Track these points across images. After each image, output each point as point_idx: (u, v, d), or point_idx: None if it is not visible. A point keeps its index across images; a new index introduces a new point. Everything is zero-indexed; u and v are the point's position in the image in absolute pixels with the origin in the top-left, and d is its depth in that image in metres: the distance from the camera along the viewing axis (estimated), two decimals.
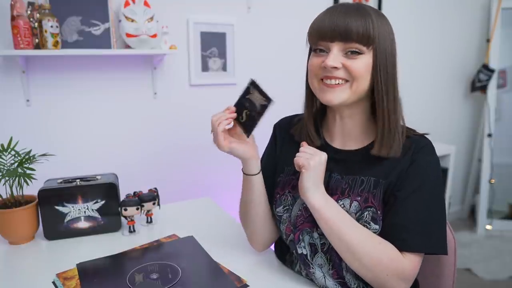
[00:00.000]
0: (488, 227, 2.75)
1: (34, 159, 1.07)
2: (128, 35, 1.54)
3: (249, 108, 0.81)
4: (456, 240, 0.93)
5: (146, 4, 1.57)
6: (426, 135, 0.82)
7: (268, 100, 0.79)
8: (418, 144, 0.79)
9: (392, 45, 0.77)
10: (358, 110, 0.82)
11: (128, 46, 1.59)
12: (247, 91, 0.82)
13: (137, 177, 1.75)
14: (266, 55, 2.02)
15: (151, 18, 1.56)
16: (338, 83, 0.76)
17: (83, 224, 1.11)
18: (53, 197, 1.08)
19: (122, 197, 1.15)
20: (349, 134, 0.84)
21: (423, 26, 2.56)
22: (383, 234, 0.76)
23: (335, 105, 0.79)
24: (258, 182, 0.89)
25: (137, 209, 1.12)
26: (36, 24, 1.41)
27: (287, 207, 0.88)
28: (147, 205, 1.15)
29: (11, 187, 1.06)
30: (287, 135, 0.94)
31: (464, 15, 2.73)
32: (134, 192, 1.17)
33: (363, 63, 0.74)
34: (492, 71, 2.62)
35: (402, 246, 0.74)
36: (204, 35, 1.83)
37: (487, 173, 2.70)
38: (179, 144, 1.86)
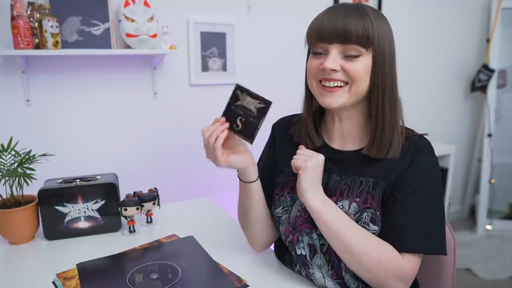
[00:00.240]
0: (488, 227, 2.75)
1: (34, 159, 1.07)
2: (128, 35, 1.54)
3: (243, 114, 0.78)
4: (456, 240, 0.93)
5: (146, 4, 1.57)
6: (425, 136, 0.82)
7: (265, 102, 0.76)
8: (417, 145, 0.79)
9: (391, 45, 0.76)
10: (357, 111, 0.81)
11: (128, 46, 1.59)
12: (235, 98, 0.78)
13: (137, 177, 1.75)
14: (266, 55, 2.02)
15: (151, 18, 1.56)
16: (337, 86, 0.76)
17: (83, 224, 1.11)
18: (53, 197, 1.08)
19: (122, 197, 1.15)
20: (348, 135, 0.84)
21: (423, 26, 2.56)
22: (382, 234, 0.76)
23: (334, 108, 0.79)
24: (257, 188, 0.88)
25: (137, 209, 1.12)
26: (36, 24, 1.41)
27: (286, 208, 0.87)
28: (147, 205, 1.15)
29: (11, 187, 1.06)
30: (286, 135, 0.94)
31: (464, 15, 2.73)
32: (134, 192, 1.18)
33: (362, 65, 0.74)
34: (492, 71, 2.62)
35: (402, 247, 0.74)
36: (204, 35, 1.83)
37: (487, 173, 2.70)
38: (179, 144, 1.86)
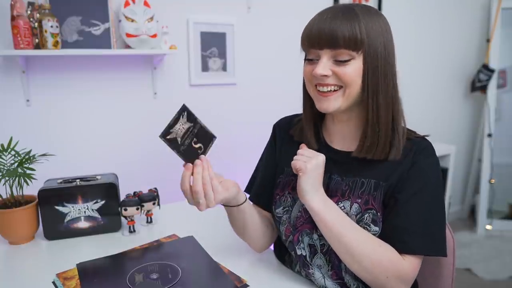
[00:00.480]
0: (488, 227, 2.75)
1: (34, 159, 1.07)
2: (128, 35, 1.54)
3: (191, 137, 0.77)
4: (456, 240, 0.93)
5: (146, 4, 1.57)
6: (426, 137, 0.82)
7: (180, 110, 0.76)
8: (419, 146, 0.78)
9: (386, 44, 0.74)
10: (355, 113, 0.81)
11: (128, 46, 1.59)
12: (173, 141, 0.75)
13: (137, 177, 1.75)
14: (266, 55, 2.02)
15: (151, 18, 1.56)
16: (331, 90, 0.75)
17: (83, 224, 1.11)
18: (53, 197, 1.08)
19: (122, 197, 1.15)
20: (348, 136, 0.84)
21: (423, 26, 2.56)
22: (383, 236, 0.76)
23: (331, 112, 0.79)
24: (247, 206, 0.88)
25: (137, 209, 1.12)
26: (36, 24, 1.41)
27: (287, 208, 0.87)
28: (147, 205, 1.15)
29: (11, 187, 1.06)
30: (287, 136, 0.94)
31: (464, 15, 2.73)
32: (134, 192, 1.18)
33: (353, 69, 0.73)
34: (492, 71, 2.62)
35: (403, 248, 0.74)
36: (204, 35, 1.83)
37: (487, 173, 2.70)
38: None
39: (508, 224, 2.76)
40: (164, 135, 0.75)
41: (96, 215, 1.12)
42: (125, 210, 1.11)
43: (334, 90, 0.76)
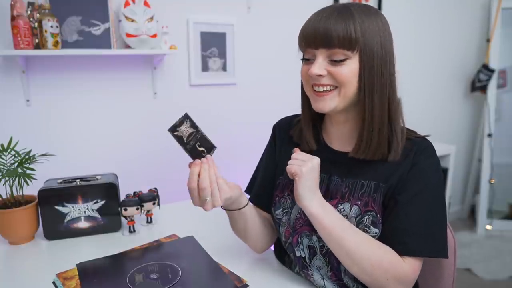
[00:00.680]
0: (488, 227, 2.75)
1: (34, 159, 1.07)
2: (128, 35, 1.54)
3: (195, 139, 0.78)
4: (456, 240, 0.93)
5: (146, 4, 1.57)
6: (427, 137, 0.81)
7: (182, 117, 0.77)
8: (419, 147, 0.78)
9: (383, 43, 0.73)
10: (352, 115, 0.80)
11: (128, 46, 1.59)
12: (179, 138, 0.77)
13: (137, 177, 1.75)
14: (266, 55, 2.02)
15: (151, 18, 1.56)
16: (326, 90, 0.75)
17: (83, 224, 1.11)
18: (53, 197, 1.08)
19: (122, 197, 1.15)
20: (347, 137, 0.83)
21: (423, 26, 2.56)
22: (383, 238, 0.75)
23: (327, 112, 0.79)
24: (249, 209, 0.87)
25: (137, 209, 1.12)
26: (36, 24, 1.41)
27: (286, 210, 0.87)
28: (147, 205, 1.15)
29: (11, 187, 1.06)
30: (287, 136, 0.93)
31: (464, 15, 2.73)
32: (134, 192, 1.18)
33: (348, 69, 0.72)
34: (492, 71, 2.62)
35: (403, 250, 0.73)
36: (204, 35, 1.83)
37: (487, 173, 2.70)
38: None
39: (508, 224, 2.76)
40: (172, 130, 0.77)
41: (96, 215, 1.12)
42: (125, 210, 1.11)
43: (330, 90, 0.75)
